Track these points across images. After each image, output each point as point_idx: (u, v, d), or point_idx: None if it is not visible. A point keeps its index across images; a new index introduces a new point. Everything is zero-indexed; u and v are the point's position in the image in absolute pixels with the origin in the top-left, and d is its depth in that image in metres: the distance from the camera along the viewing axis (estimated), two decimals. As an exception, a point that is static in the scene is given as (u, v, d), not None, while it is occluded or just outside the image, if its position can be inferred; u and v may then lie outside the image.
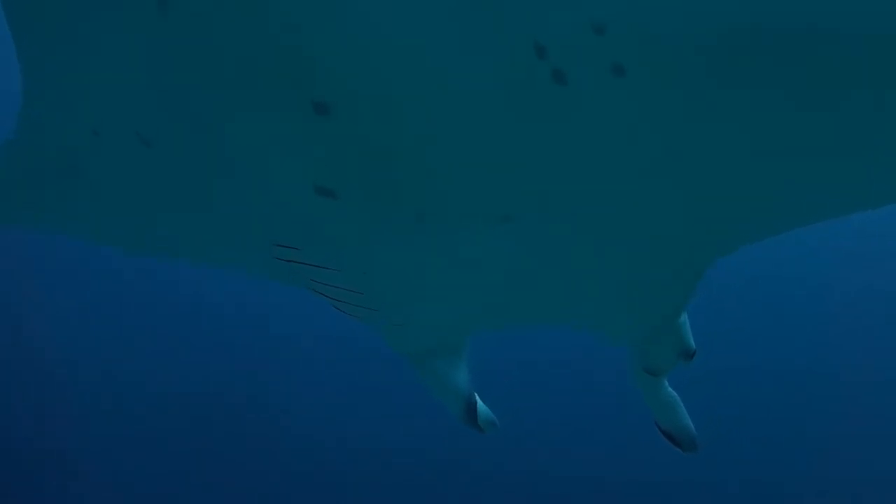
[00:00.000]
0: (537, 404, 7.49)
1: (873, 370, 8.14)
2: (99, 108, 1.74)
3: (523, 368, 7.39)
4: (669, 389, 2.17)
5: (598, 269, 1.78)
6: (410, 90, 1.42)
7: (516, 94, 1.35)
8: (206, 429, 8.81)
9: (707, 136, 1.30)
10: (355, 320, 2.13)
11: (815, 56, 1.10)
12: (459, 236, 1.70)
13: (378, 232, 1.73)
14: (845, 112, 1.17)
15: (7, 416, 8.80)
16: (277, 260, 1.95)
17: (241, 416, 8.89)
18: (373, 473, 8.43)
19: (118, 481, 8.54)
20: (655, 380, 2.14)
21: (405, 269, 1.85)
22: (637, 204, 1.52)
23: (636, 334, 2.04)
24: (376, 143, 1.52)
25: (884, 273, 8.21)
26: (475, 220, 1.64)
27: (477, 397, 2.27)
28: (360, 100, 1.45)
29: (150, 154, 1.76)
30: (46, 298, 9.29)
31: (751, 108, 1.21)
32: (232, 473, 8.75)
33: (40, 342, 9.20)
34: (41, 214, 2.18)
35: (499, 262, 1.78)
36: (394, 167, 1.55)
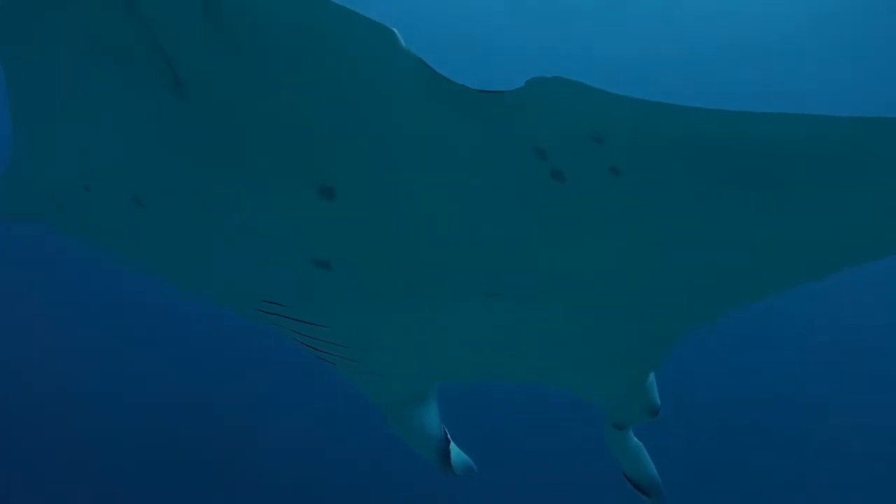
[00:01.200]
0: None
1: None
2: (94, 168, 1.81)
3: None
4: (635, 440, 2.26)
5: (574, 340, 1.89)
6: (413, 181, 1.53)
7: (513, 187, 1.47)
8: (200, 431, 8.85)
9: (683, 231, 1.45)
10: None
11: (770, 174, 1.29)
12: (445, 306, 1.80)
13: (367, 298, 1.82)
14: (788, 214, 1.36)
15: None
16: (263, 313, 2.02)
17: (231, 418, 8.94)
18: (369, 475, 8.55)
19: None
20: (623, 433, 2.23)
21: (388, 329, 1.94)
22: (615, 287, 1.65)
23: (607, 394, 2.12)
24: (376, 226, 1.63)
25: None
26: (462, 293, 1.75)
27: (451, 443, 2.36)
28: (365, 187, 1.56)
29: (143, 214, 1.83)
30: (39, 298, 9.36)
31: (720, 209, 1.38)
32: (224, 475, 8.85)
33: (33, 342, 9.21)
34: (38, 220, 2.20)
35: (479, 329, 1.88)
36: (390, 246, 1.66)
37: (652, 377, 2.12)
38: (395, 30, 1.35)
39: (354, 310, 1.88)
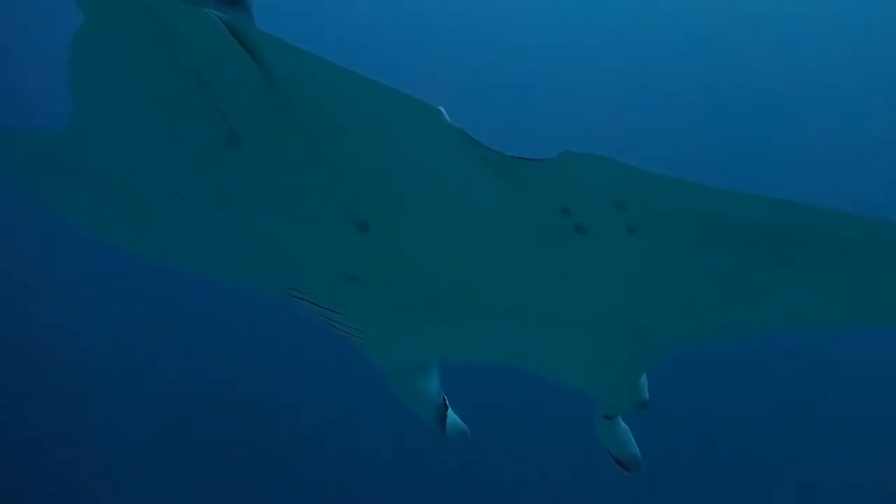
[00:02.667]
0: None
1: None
2: (141, 187, 2.00)
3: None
4: (622, 425, 2.48)
5: (572, 351, 2.10)
6: (444, 226, 1.72)
7: (536, 236, 1.65)
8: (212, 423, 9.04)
9: (682, 276, 1.65)
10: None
11: (757, 245, 1.50)
12: (457, 319, 2.00)
13: (387, 307, 2.03)
14: (766, 278, 1.58)
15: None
16: (287, 295, 2.20)
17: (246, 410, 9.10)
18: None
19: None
20: (611, 420, 2.43)
21: (403, 325, 2.13)
22: (616, 315, 1.86)
23: (599, 391, 2.32)
24: (404, 258, 1.82)
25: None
26: (476, 313, 1.96)
27: (449, 409, 2.56)
28: (399, 227, 1.75)
29: (183, 206, 2.00)
30: (50, 292, 9.31)
31: (714, 263, 1.59)
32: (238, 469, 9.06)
33: (45, 337, 9.27)
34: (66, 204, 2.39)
35: (485, 335, 2.09)
36: (415, 275, 1.86)
37: (644, 377, 2.31)
38: (441, 108, 1.51)
39: (374, 313, 2.09)
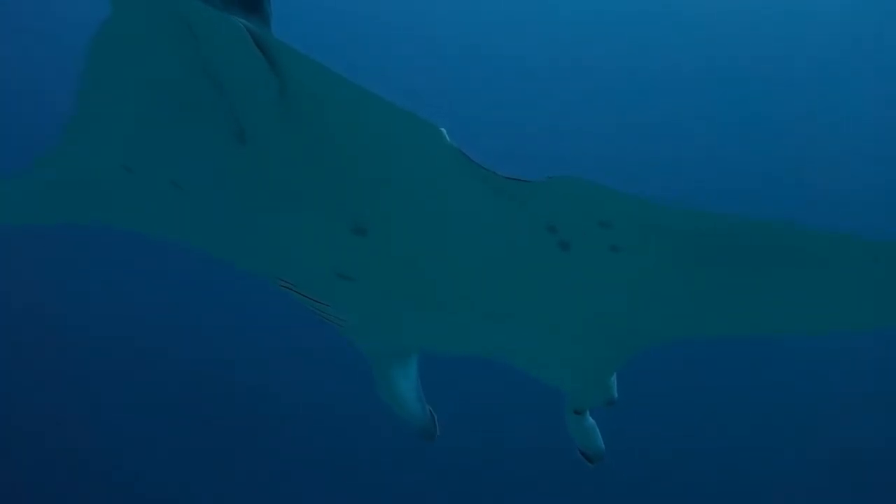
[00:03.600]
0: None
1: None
2: (143, 181, 2.04)
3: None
4: (590, 421, 2.60)
5: (549, 350, 2.23)
6: (436, 235, 1.83)
7: (521, 250, 1.78)
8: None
9: (659, 288, 1.79)
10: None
11: (730, 262, 1.65)
12: (445, 318, 2.13)
13: (377, 303, 2.14)
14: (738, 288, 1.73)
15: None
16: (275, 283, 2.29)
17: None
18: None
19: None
20: (580, 415, 2.56)
21: (390, 317, 2.24)
22: (596, 325, 2.01)
23: (571, 387, 2.46)
24: (397, 261, 1.93)
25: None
26: (462, 313, 2.09)
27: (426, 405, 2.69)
28: (395, 233, 1.85)
29: (182, 196, 2.06)
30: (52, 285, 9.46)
31: (690, 275, 1.73)
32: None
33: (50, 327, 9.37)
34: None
35: (469, 331, 2.21)
36: (407, 277, 1.97)
37: (614, 376, 2.43)
38: (442, 129, 1.62)
39: (363, 307, 2.20)
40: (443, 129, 1.62)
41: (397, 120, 1.61)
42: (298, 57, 1.60)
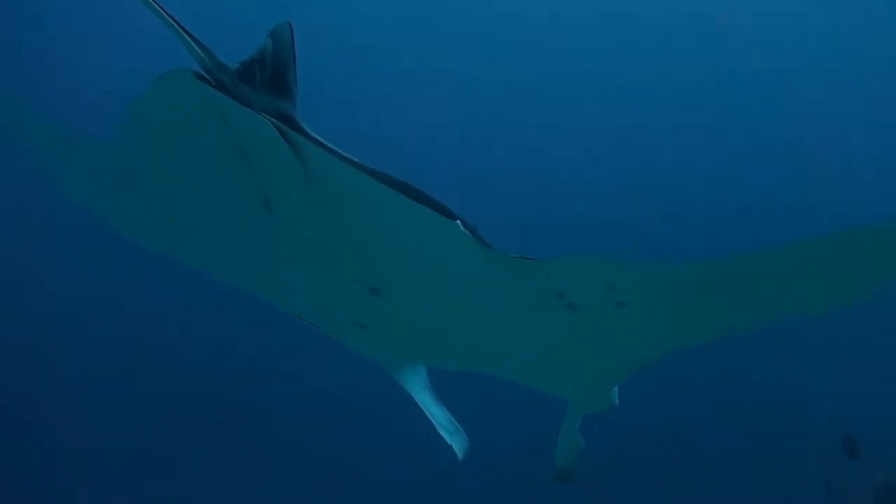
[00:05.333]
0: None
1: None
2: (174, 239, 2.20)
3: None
4: (579, 437, 2.77)
5: (558, 377, 2.42)
6: (447, 298, 2.00)
7: (533, 311, 1.94)
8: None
9: (659, 331, 2.00)
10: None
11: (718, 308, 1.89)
12: (451, 361, 2.37)
13: (386, 344, 2.33)
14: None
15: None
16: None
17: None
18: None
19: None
20: (574, 426, 2.73)
21: (401, 357, 2.48)
22: (602, 359, 2.21)
23: (576, 400, 2.63)
24: (409, 317, 2.10)
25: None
26: (470, 358, 2.31)
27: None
28: (407, 295, 2.02)
29: (205, 243, 2.19)
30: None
31: (685, 320, 1.96)
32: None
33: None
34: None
35: (481, 366, 2.41)
36: (417, 331, 2.17)
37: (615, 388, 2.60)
38: (457, 221, 1.75)
39: (375, 349, 2.43)
40: (457, 221, 1.75)
41: (413, 214, 1.74)
42: (320, 152, 1.74)
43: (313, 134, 1.87)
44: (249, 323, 8.82)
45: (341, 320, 2.23)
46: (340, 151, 1.83)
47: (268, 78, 1.82)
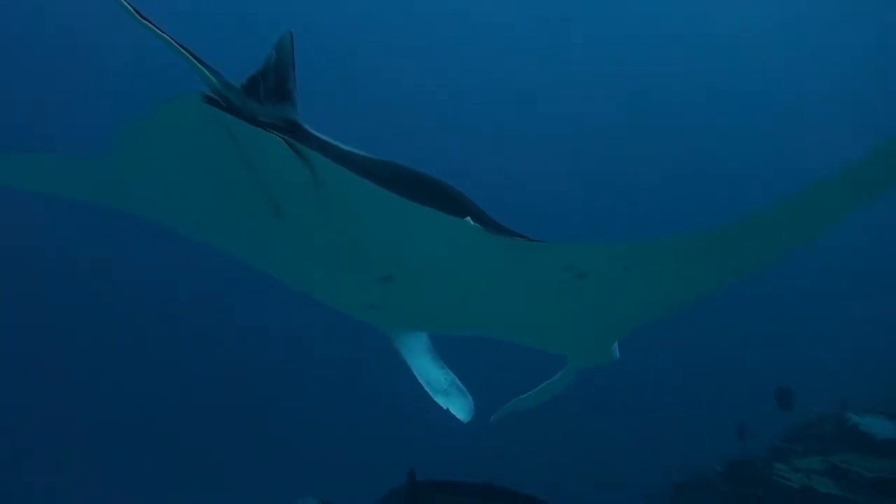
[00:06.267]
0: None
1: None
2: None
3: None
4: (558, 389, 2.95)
5: (562, 338, 2.56)
6: (454, 283, 2.10)
7: (539, 284, 2.05)
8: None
9: (659, 291, 2.13)
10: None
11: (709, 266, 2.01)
12: (465, 329, 2.48)
13: (402, 323, 2.54)
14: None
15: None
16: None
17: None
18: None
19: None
20: (566, 381, 2.91)
21: (410, 327, 2.63)
22: (607, 321, 2.33)
23: (576, 355, 2.80)
24: (419, 302, 2.24)
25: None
26: (481, 328, 2.43)
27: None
28: (417, 281, 2.13)
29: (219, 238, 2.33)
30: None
31: (682, 280, 2.08)
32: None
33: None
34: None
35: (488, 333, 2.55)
36: (424, 314, 2.32)
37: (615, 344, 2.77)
38: (468, 219, 1.85)
39: (386, 324, 2.60)
40: (467, 218, 1.85)
41: (423, 217, 1.84)
42: (330, 163, 1.83)
43: (316, 133, 1.98)
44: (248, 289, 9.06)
45: (352, 303, 2.37)
46: (344, 147, 1.94)
47: (271, 88, 1.92)
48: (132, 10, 1.75)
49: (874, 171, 1.58)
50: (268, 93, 1.91)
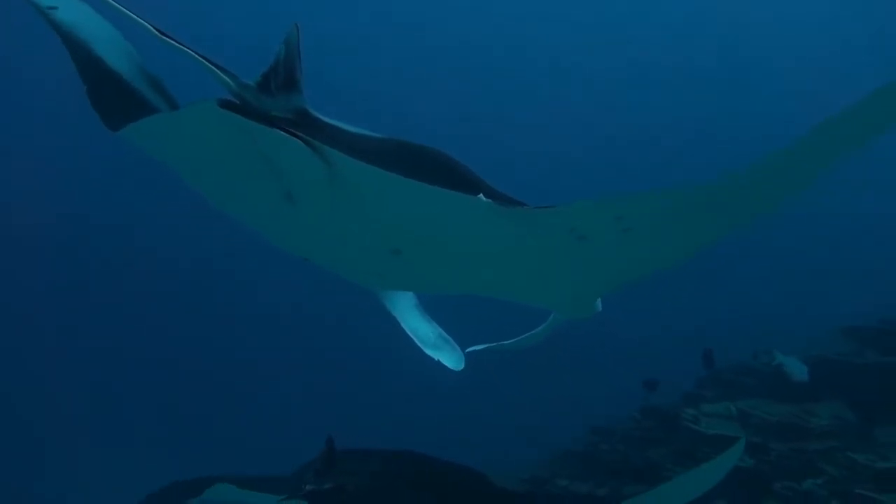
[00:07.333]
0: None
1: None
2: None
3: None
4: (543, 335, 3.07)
5: (551, 294, 2.60)
6: (462, 254, 2.19)
7: (542, 249, 2.12)
8: None
9: (654, 249, 2.19)
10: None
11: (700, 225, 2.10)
12: (465, 292, 2.52)
13: (408, 287, 2.60)
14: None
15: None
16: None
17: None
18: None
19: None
20: (550, 330, 3.04)
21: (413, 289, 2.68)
22: (597, 277, 2.38)
23: (564, 309, 2.87)
24: (426, 272, 2.32)
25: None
26: (482, 292, 2.48)
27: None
28: (426, 253, 2.20)
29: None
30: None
31: (680, 237, 2.16)
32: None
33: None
34: None
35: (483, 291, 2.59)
36: (432, 283, 2.40)
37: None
38: (481, 195, 1.92)
39: (391, 288, 2.65)
40: (480, 195, 1.94)
41: (437, 198, 1.92)
42: (346, 158, 1.89)
43: (324, 118, 2.06)
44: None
45: (357, 271, 2.44)
46: (351, 129, 2.04)
47: (281, 81, 2.00)
48: (155, 31, 1.85)
49: (873, 113, 1.70)
50: (279, 86, 2.00)
